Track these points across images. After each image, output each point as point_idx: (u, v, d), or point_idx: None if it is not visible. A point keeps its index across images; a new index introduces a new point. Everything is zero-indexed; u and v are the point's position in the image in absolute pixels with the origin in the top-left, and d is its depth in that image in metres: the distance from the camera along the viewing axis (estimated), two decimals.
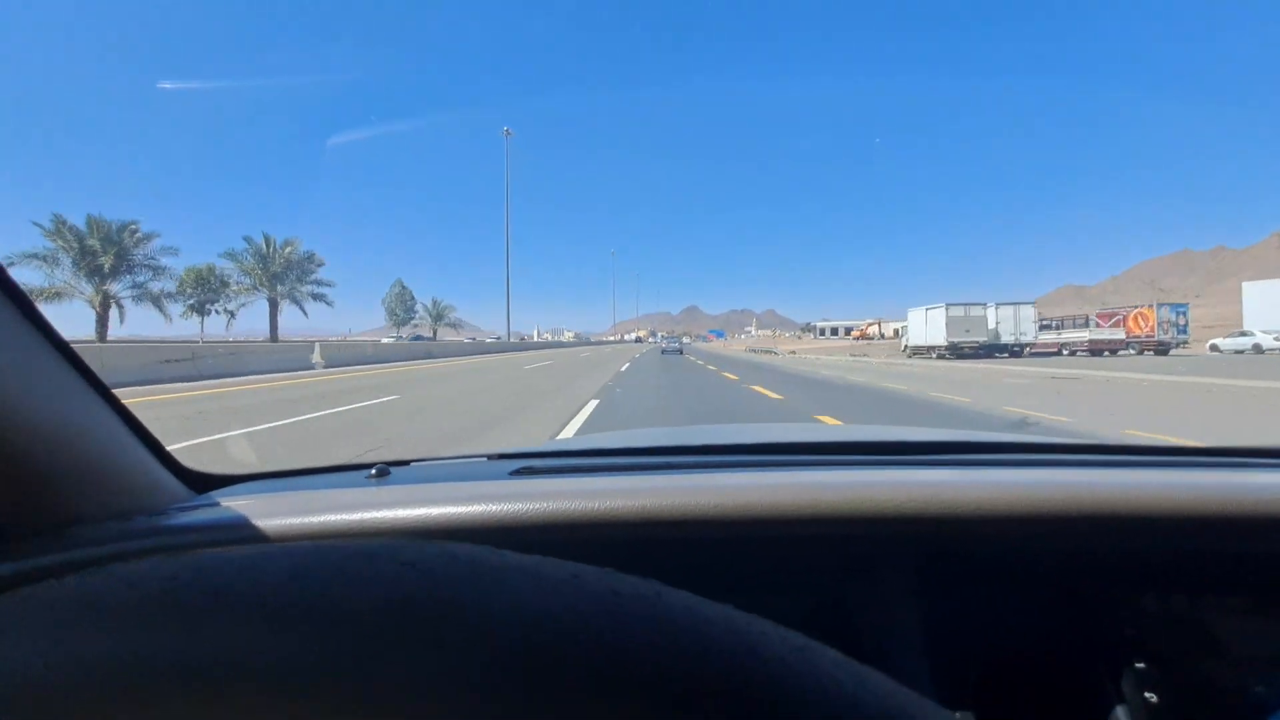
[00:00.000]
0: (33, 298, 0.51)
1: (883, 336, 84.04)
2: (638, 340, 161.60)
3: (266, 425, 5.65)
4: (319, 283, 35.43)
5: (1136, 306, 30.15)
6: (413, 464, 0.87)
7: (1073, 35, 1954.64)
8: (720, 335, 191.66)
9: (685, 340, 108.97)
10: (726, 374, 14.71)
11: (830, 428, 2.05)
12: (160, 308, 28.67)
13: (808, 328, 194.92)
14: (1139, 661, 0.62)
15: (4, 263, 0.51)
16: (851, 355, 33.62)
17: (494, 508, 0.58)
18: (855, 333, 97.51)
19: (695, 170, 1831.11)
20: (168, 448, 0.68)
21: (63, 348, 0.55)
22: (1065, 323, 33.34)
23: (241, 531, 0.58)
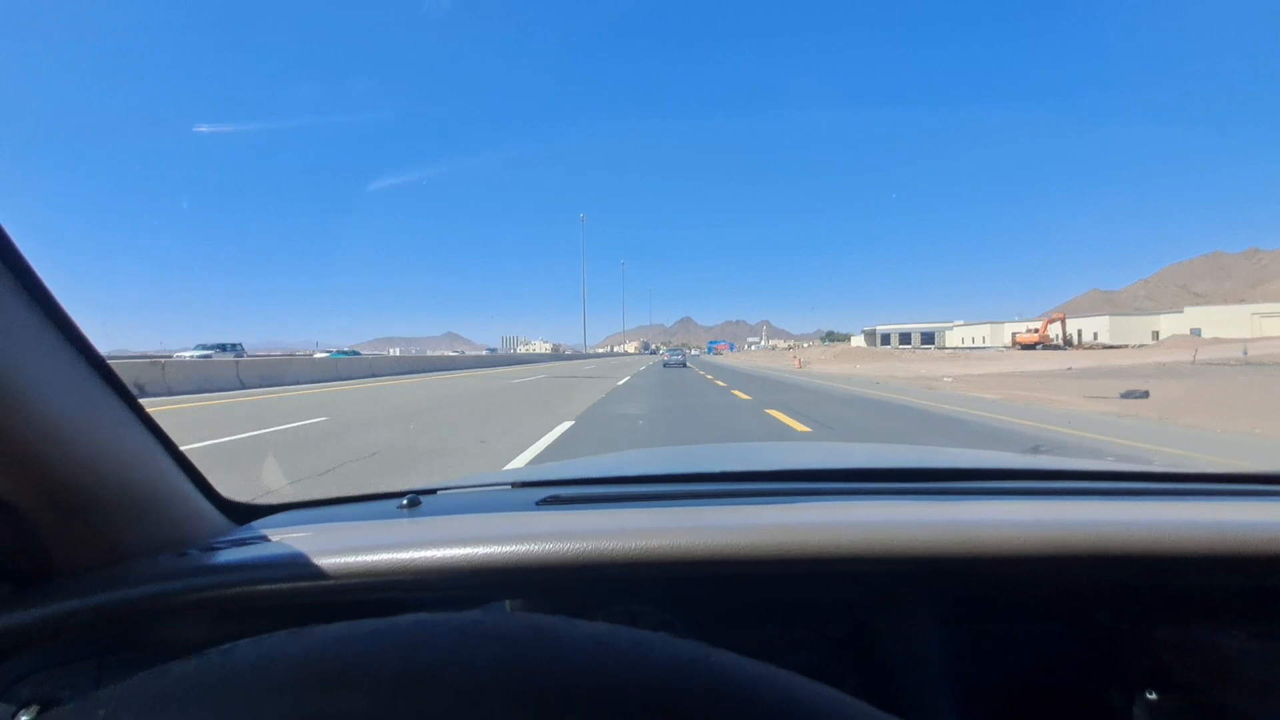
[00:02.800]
0: None
1: (1067, 342, 57.87)
2: (653, 352, 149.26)
3: None
4: None
5: None
6: (439, 492, 0.91)
7: (1093, 48, 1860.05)
8: (731, 346, 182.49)
9: (693, 352, 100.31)
10: None
11: (857, 451, 1.57)
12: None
13: (831, 335, 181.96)
14: (1151, 690, 0.65)
15: None
16: None
17: (536, 548, 0.60)
18: (1026, 335, 61.79)
19: (692, 182, 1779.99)
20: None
21: (103, 369, 0.52)
22: None
23: (297, 570, 0.58)
